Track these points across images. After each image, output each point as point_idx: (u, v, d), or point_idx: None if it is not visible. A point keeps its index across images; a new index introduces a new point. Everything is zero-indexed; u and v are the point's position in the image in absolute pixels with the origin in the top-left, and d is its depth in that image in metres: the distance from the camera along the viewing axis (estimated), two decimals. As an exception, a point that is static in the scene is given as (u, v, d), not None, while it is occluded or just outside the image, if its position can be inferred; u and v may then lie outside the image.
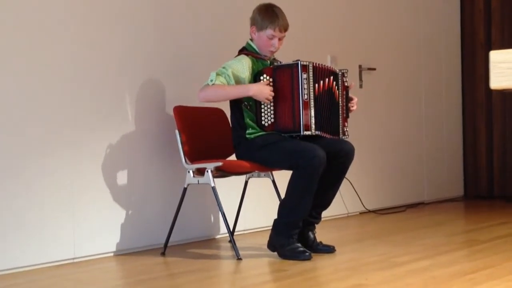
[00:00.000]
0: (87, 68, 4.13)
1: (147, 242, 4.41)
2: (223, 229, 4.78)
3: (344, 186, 5.06)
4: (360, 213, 5.92)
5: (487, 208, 6.30)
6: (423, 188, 6.64)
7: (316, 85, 4.06)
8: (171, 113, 4.38)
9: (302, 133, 4.02)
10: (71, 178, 4.03)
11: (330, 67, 4.20)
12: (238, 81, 4.07)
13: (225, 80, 4.04)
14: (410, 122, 6.51)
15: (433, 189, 6.72)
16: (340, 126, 4.19)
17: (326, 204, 4.20)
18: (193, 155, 4.29)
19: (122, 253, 4.28)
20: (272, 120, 4.07)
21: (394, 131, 6.33)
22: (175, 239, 4.45)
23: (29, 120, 3.87)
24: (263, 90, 4.01)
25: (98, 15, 4.20)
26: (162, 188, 4.49)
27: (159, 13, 4.52)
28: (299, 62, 4.01)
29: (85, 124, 4.12)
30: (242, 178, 4.61)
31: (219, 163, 4.06)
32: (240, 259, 3.99)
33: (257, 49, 4.18)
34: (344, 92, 4.23)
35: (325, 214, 4.33)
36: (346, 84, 4.23)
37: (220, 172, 4.17)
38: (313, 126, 4.04)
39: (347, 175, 4.26)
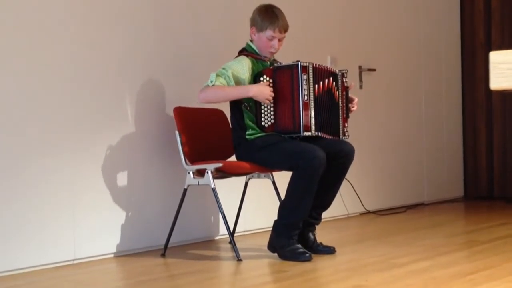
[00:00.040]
0: (87, 68, 4.13)
1: (147, 243, 4.40)
2: (223, 230, 4.78)
3: (344, 187, 5.05)
4: (360, 214, 5.92)
5: (487, 209, 6.29)
6: (423, 188, 6.64)
7: (316, 86, 4.06)
8: (171, 114, 4.38)
9: (302, 134, 4.02)
10: (71, 178, 4.03)
11: (329, 67, 4.20)
12: (238, 82, 4.07)
13: (225, 81, 4.03)
14: (410, 122, 6.51)
15: (433, 190, 6.72)
16: (340, 127, 4.19)
17: (326, 205, 4.20)
18: (193, 156, 4.29)
19: (122, 254, 4.27)
20: (272, 121, 4.06)
21: (394, 132, 6.33)
22: (175, 240, 4.44)
23: (29, 120, 3.87)
24: (263, 91, 4.00)
25: (98, 15, 4.20)
26: (162, 189, 4.49)
27: (159, 13, 4.52)
28: (299, 63, 4.01)
29: (85, 124, 4.11)
30: (242, 179, 4.60)
31: (219, 164, 4.06)
32: (240, 260, 3.98)
33: (257, 50, 4.18)
34: (344, 93, 4.23)
35: (325, 215, 4.32)
36: (346, 85, 4.23)
37: (220, 173, 4.16)
38: (313, 127, 4.04)
39: (347, 176, 4.26)
